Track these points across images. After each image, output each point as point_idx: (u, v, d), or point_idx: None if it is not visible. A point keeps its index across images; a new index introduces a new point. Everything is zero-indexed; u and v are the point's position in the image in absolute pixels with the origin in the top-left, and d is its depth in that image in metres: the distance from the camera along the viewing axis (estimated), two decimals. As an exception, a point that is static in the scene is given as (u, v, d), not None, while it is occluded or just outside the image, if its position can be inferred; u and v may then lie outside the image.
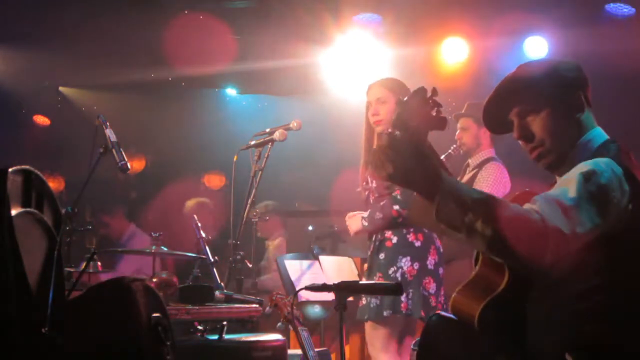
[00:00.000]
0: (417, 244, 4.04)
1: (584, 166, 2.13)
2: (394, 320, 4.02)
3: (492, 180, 4.99)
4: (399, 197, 4.04)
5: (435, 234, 4.08)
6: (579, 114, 2.29)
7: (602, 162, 2.13)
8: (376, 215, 4.09)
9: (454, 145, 5.28)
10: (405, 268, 3.99)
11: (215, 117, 8.04)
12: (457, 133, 5.24)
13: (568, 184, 2.08)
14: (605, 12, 6.04)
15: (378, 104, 4.14)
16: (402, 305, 3.95)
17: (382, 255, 4.07)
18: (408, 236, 4.04)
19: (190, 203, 6.72)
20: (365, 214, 4.17)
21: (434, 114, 2.17)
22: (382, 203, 4.10)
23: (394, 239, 4.06)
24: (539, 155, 2.30)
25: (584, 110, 2.30)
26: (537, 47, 6.28)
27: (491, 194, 2.06)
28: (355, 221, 4.21)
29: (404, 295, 3.93)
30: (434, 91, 2.19)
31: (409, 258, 4.00)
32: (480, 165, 5.13)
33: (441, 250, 4.12)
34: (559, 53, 6.05)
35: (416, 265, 3.99)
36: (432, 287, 4.00)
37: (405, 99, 2.17)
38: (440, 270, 4.07)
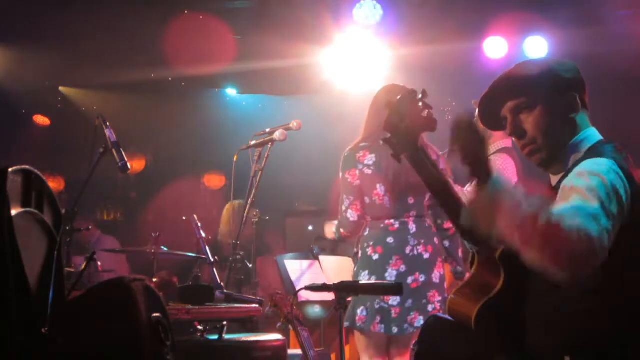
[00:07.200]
0: (375, 257, 3.98)
1: (585, 169, 2.11)
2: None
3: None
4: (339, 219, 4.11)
5: (410, 244, 3.97)
6: (572, 114, 2.29)
7: (603, 164, 2.10)
8: (335, 233, 4.19)
9: None
10: (364, 282, 3.95)
11: (215, 117, 8.04)
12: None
13: (577, 192, 2.01)
14: (604, 12, 6.04)
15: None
16: (357, 318, 3.94)
17: (355, 268, 4.10)
18: (367, 250, 4.02)
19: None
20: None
21: (424, 115, 2.17)
22: (335, 221, 4.17)
23: (360, 253, 4.08)
24: (531, 152, 2.31)
25: (579, 111, 2.30)
26: (537, 47, 6.29)
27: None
28: (329, 228, 4.32)
29: (361, 308, 3.93)
30: (424, 93, 2.18)
31: (367, 272, 3.98)
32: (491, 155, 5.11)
33: (422, 257, 3.95)
34: (559, 53, 6.05)
35: (373, 279, 3.93)
36: (392, 298, 3.89)
37: (396, 100, 2.17)
38: (410, 279, 3.90)
